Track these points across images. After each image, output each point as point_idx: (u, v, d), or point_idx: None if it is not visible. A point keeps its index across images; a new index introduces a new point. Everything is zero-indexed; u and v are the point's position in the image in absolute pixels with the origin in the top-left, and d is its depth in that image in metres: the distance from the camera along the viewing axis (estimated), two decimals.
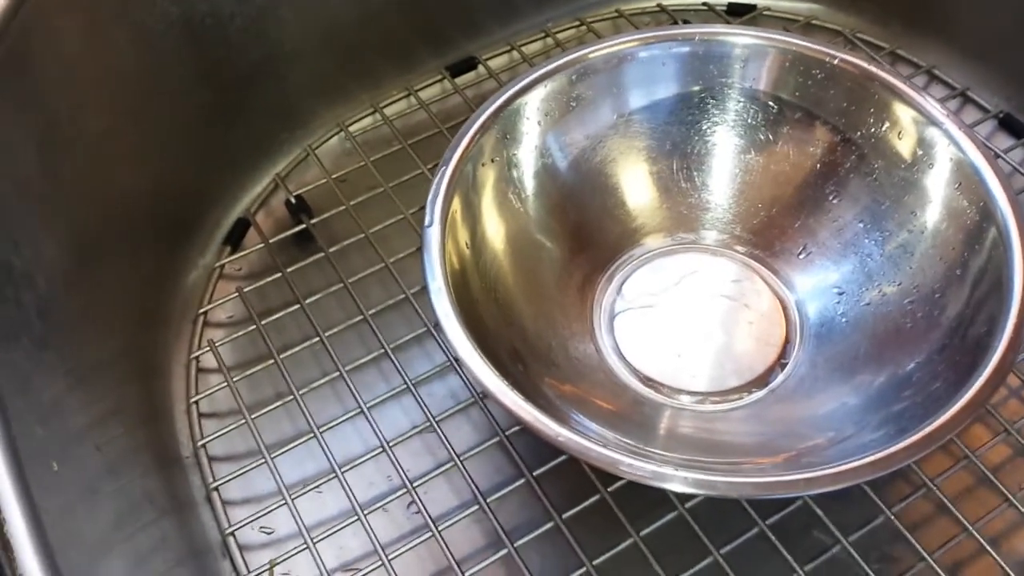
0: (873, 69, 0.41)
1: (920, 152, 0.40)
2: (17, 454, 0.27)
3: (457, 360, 0.35)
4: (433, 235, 0.38)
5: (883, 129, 0.41)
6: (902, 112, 0.41)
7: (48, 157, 0.38)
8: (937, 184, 0.40)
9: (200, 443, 0.43)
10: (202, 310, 0.48)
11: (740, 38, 0.42)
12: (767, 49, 0.42)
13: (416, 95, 0.56)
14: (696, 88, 0.43)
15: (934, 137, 0.40)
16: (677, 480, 0.31)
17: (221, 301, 0.48)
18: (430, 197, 0.39)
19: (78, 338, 0.38)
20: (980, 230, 0.37)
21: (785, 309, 0.43)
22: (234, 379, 0.44)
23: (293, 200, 0.51)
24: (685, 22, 0.58)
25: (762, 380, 0.41)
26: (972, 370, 0.34)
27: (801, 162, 0.43)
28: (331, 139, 0.55)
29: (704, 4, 0.59)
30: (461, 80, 0.57)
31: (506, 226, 0.41)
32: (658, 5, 0.60)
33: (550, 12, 0.59)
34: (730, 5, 0.59)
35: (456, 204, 0.38)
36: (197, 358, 0.46)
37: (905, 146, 0.41)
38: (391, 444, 0.42)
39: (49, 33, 0.39)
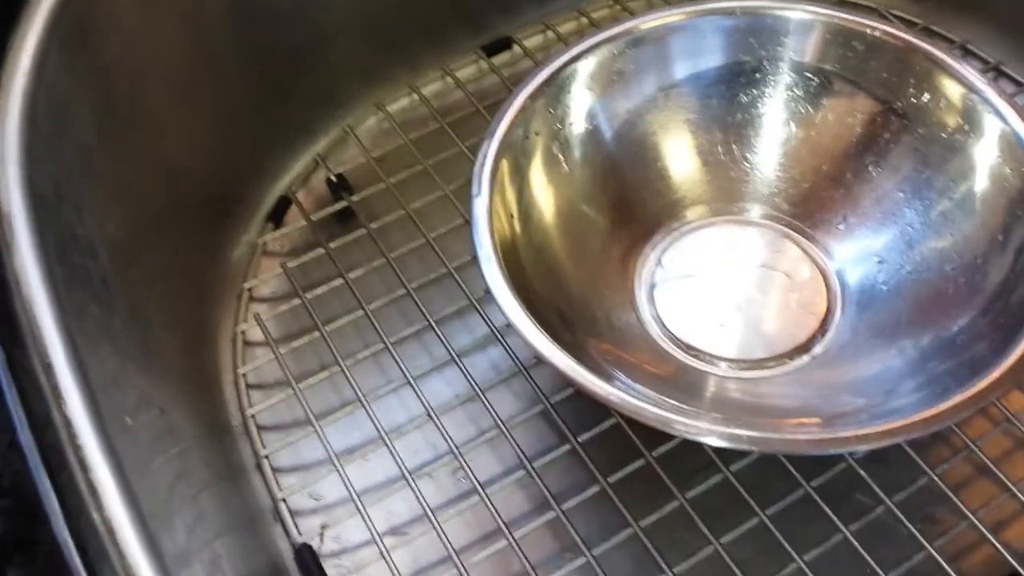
0: (915, 40, 0.42)
1: (961, 121, 0.41)
2: (98, 407, 0.28)
3: (506, 327, 0.36)
4: (481, 204, 0.38)
5: (924, 99, 0.42)
6: (943, 82, 0.41)
7: (107, 130, 0.39)
8: (978, 152, 0.40)
9: (249, 413, 0.44)
10: (247, 285, 0.48)
11: (783, 11, 0.43)
12: (810, 22, 0.42)
13: (452, 75, 0.56)
14: (739, 60, 0.44)
15: (975, 106, 0.40)
16: (730, 438, 0.31)
17: (265, 277, 0.49)
18: (477, 167, 0.40)
19: (135, 308, 0.39)
20: (1022, 196, 0.38)
21: (826, 278, 0.44)
22: (280, 351, 0.45)
23: (334, 178, 0.52)
24: None
25: (804, 348, 0.42)
26: (1017, 332, 0.34)
27: (842, 133, 0.44)
28: (369, 119, 0.56)
29: None
30: (497, 60, 0.57)
31: (553, 195, 0.42)
32: None
33: None
34: None
35: (503, 174, 0.39)
36: (243, 331, 0.47)
37: (946, 115, 0.41)
38: (438, 413, 0.42)
39: (108, 8, 0.40)
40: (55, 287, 0.31)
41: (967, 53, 0.55)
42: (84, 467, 0.26)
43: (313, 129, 0.55)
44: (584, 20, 0.59)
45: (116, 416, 0.29)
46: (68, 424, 0.27)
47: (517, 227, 0.39)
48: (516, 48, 0.57)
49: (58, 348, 0.29)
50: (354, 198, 0.51)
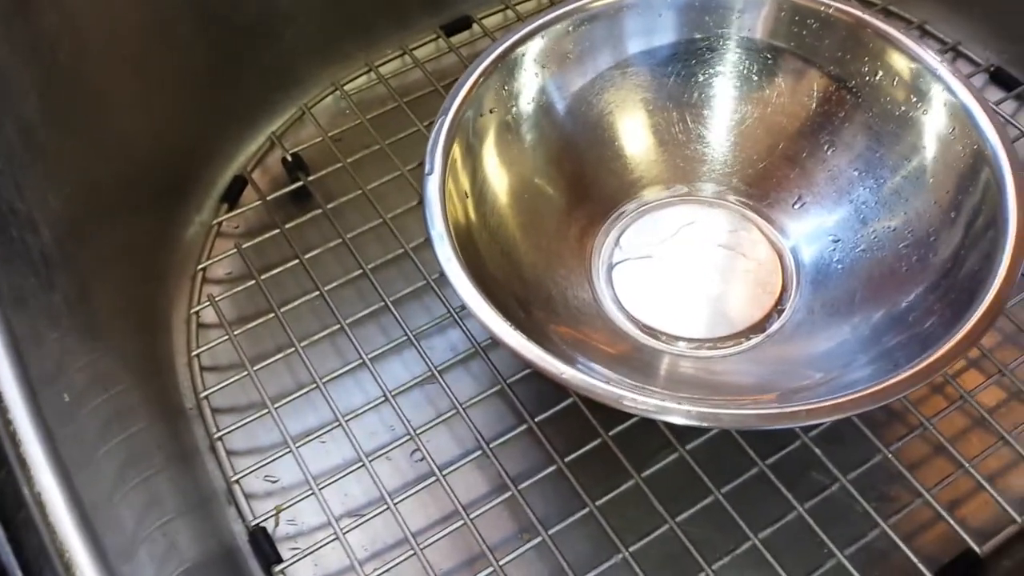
0: (867, 17, 0.42)
1: (914, 98, 0.41)
2: (28, 376, 0.27)
3: (463, 308, 0.35)
4: (433, 182, 0.38)
5: (878, 77, 0.42)
6: (896, 59, 0.41)
7: (50, 106, 0.38)
8: (931, 129, 0.40)
9: (203, 395, 0.43)
10: (201, 266, 0.48)
11: None
12: None
13: (411, 54, 0.56)
14: (693, 38, 0.44)
15: (928, 83, 0.40)
16: (679, 413, 0.31)
17: (219, 257, 0.48)
18: (430, 145, 0.39)
19: (82, 287, 0.38)
20: (974, 172, 0.38)
21: (781, 257, 0.44)
22: (235, 333, 0.44)
23: (289, 158, 0.51)
24: None
25: (760, 327, 0.42)
26: (967, 307, 0.34)
27: (796, 112, 0.44)
28: (326, 98, 0.55)
29: None
30: (456, 39, 0.57)
31: (508, 175, 0.41)
32: None
33: None
34: None
35: (456, 152, 0.39)
36: (197, 313, 0.46)
37: (899, 93, 0.41)
38: (395, 393, 0.42)
39: None
40: None
41: (925, 33, 0.55)
42: (22, 463, 0.26)
43: (269, 108, 0.54)
44: None
45: (52, 390, 0.29)
46: (0, 404, 0.26)
47: (471, 207, 0.39)
48: (475, 27, 0.57)
49: None
50: (310, 178, 0.50)
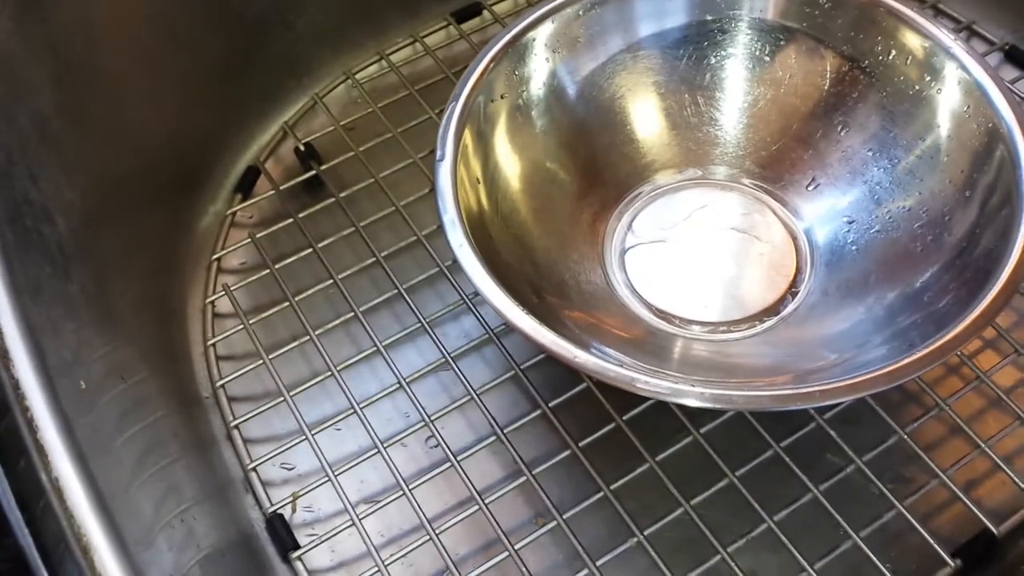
0: None
1: (928, 77, 0.40)
2: (46, 365, 0.27)
3: (475, 294, 0.35)
4: (445, 168, 0.38)
5: (891, 56, 0.41)
6: (909, 38, 0.41)
7: (64, 97, 0.39)
8: (945, 108, 0.40)
9: (219, 383, 0.43)
10: (215, 256, 0.48)
11: None
12: None
13: (422, 41, 0.56)
14: (704, 20, 0.43)
15: (941, 61, 0.40)
16: (693, 395, 0.31)
17: (234, 247, 0.48)
18: (440, 131, 0.39)
19: (98, 278, 0.38)
20: (988, 150, 0.38)
21: (795, 239, 0.43)
22: (250, 322, 0.45)
23: (302, 147, 0.51)
24: None
25: (774, 309, 0.42)
26: (982, 286, 0.34)
27: (809, 93, 0.44)
28: (338, 87, 0.55)
29: None
30: (466, 26, 0.56)
31: (519, 160, 0.41)
32: None
33: None
34: None
35: (468, 138, 0.39)
36: (213, 302, 0.46)
37: (912, 72, 0.41)
38: (409, 380, 0.42)
39: None
40: (4, 248, 0.30)
41: (940, 12, 0.55)
42: (40, 449, 0.26)
43: (281, 98, 0.54)
44: None
45: (69, 378, 0.29)
46: (19, 392, 0.27)
47: (483, 193, 0.39)
48: (486, 14, 0.57)
49: (6, 308, 0.28)
50: (323, 167, 0.50)
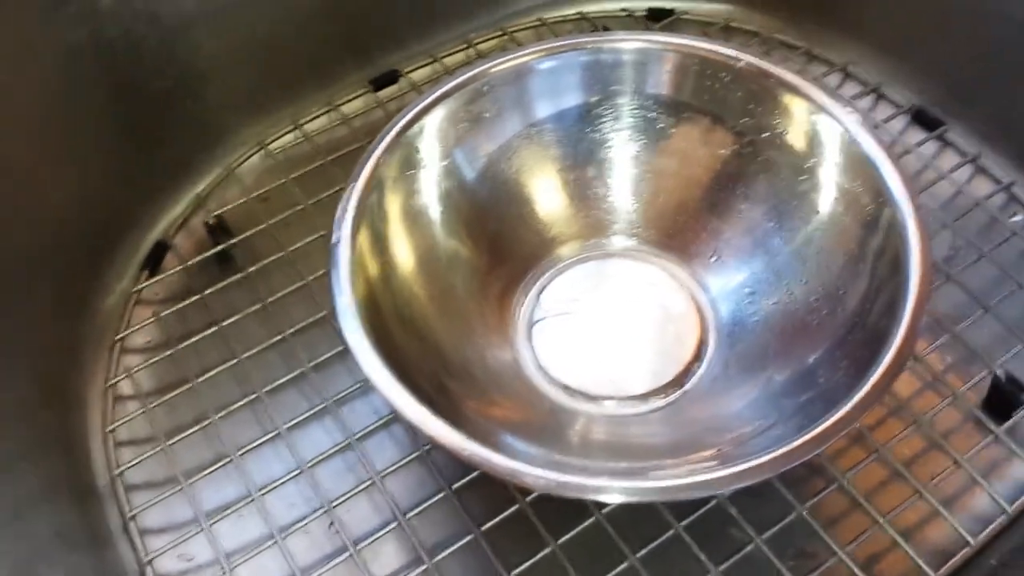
0: (774, 69, 0.42)
1: (823, 149, 0.41)
2: None
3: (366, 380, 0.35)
4: (339, 252, 0.37)
5: (787, 129, 0.42)
6: (804, 111, 0.41)
7: None
8: (837, 178, 0.40)
9: (117, 472, 0.42)
10: (119, 336, 0.47)
11: (632, 43, 0.43)
12: (666, 54, 0.42)
13: (338, 110, 0.55)
14: (602, 96, 0.44)
15: (835, 133, 0.40)
16: (574, 488, 0.31)
17: (138, 326, 0.47)
18: (337, 214, 0.39)
19: None
20: (877, 220, 0.38)
21: (700, 310, 0.43)
22: (152, 405, 0.44)
23: (212, 221, 0.51)
24: (605, 28, 0.58)
25: (678, 381, 0.41)
26: (872, 361, 0.34)
27: (710, 164, 0.44)
28: (252, 157, 0.55)
29: (624, 10, 0.60)
30: (383, 93, 0.57)
31: (416, 245, 0.41)
32: (579, 13, 0.60)
33: (472, 22, 0.59)
34: (649, 10, 0.59)
35: (364, 226, 0.38)
36: (114, 385, 0.45)
37: (808, 144, 0.41)
38: (312, 464, 0.42)
39: None
40: None
41: (848, 76, 0.55)
42: None
43: (193, 169, 0.54)
44: (472, 51, 0.58)
45: None
46: None
47: (382, 278, 0.39)
48: (403, 81, 0.57)
49: None
50: (233, 241, 0.50)
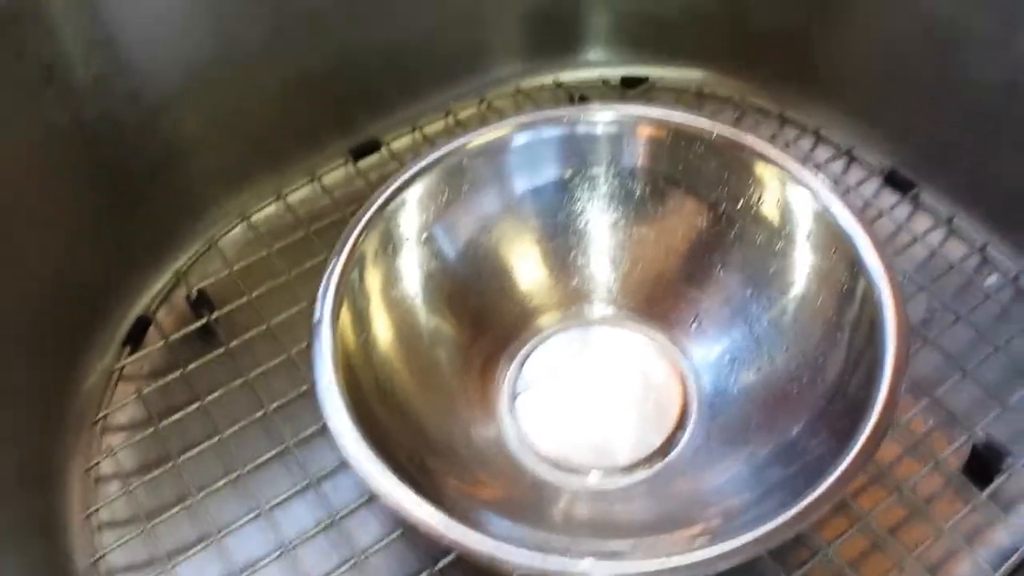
0: (749, 140, 0.42)
1: (797, 219, 0.41)
2: None
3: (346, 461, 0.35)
4: (321, 331, 0.38)
5: (761, 198, 0.42)
6: (776, 181, 0.42)
7: None
8: (811, 248, 0.41)
9: (98, 556, 0.42)
10: (101, 415, 0.47)
11: (606, 116, 0.43)
12: (640, 126, 0.43)
13: (319, 181, 0.56)
14: (578, 167, 0.44)
15: (804, 200, 0.41)
16: (556, 573, 0.31)
17: (121, 404, 0.47)
18: (319, 293, 0.39)
19: None
20: (853, 291, 0.38)
21: (682, 378, 0.44)
22: (133, 486, 0.43)
23: (194, 295, 0.51)
24: (583, 97, 0.59)
25: (662, 452, 0.41)
26: (853, 432, 0.34)
27: (687, 234, 0.44)
28: (235, 229, 0.55)
29: (599, 78, 0.61)
30: (365, 163, 0.57)
31: (397, 321, 0.41)
32: (555, 82, 0.61)
33: (451, 92, 0.60)
34: (624, 79, 0.60)
35: (345, 304, 0.38)
36: (96, 465, 0.45)
37: (782, 213, 0.42)
38: (295, 544, 0.41)
39: None
40: None
41: (820, 139, 0.56)
42: None
43: (175, 243, 0.54)
44: (451, 120, 0.59)
45: None
46: None
47: (364, 357, 0.39)
48: (384, 151, 0.57)
49: None
50: (215, 315, 0.50)
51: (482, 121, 0.59)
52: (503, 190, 0.44)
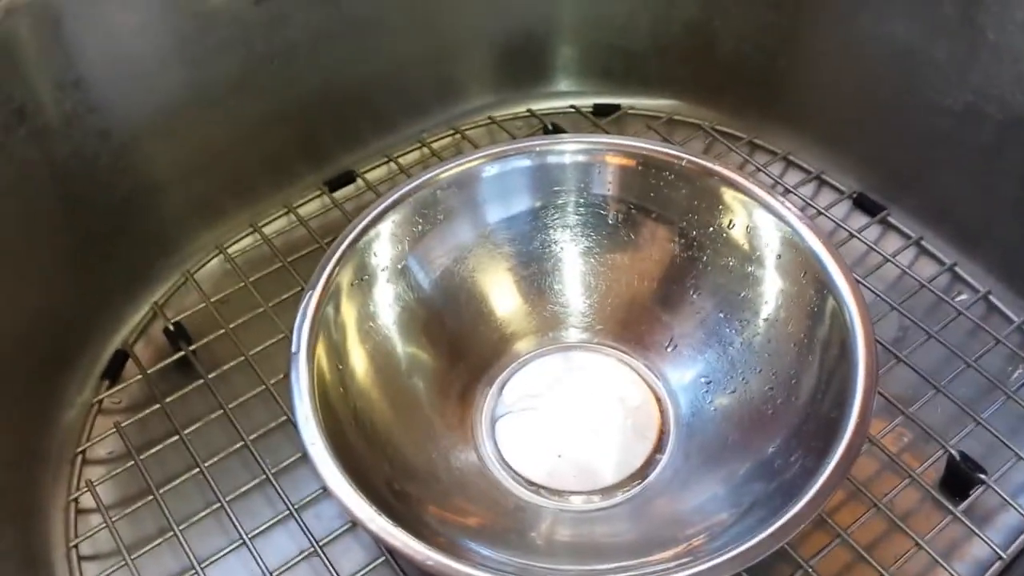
0: (718, 168, 0.43)
1: (766, 243, 0.42)
2: None
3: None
4: (299, 362, 0.38)
5: (731, 224, 0.43)
6: (745, 207, 0.43)
7: None
8: (781, 271, 0.42)
9: None
10: (80, 448, 0.47)
11: (577, 145, 0.44)
12: (610, 155, 0.44)
13: (295, 212, 0.56)
14: (550, 196, 0.45)
15: (772, 225, 0.42)
16: None
17: (100, 438, 0.47)
18: (296, 324, 0.39)
19: None
20: (822, 310, 0.39)
21: (659, 401, 0.44)
22: (114, 518, 0.43)
23: (171, 327, 0.51)
24: (555, 125, 0.60)
25: (640, 474, 0.42)
26: (827, 450, 0.35)
27: (660, 259, 0.45)
28: (211, 262, 0.55)
29: (571, 107, 0.62)
30: (340, 194, 0.57)
31: (374, 351, 0.42)
32: (528, 111, 0.62)
33: (425, 122, 0.61)
34: (595, 106, 0.61)
35: (322, 336, 0.39)
36: (76, 499, 0.45)
37: (752, 238, 0.43)
38: (278, 573, 0.41)
39: None
40: None
41: (790, 164, 0.57)
42: None
43: (151, 277, 0.54)
44: (426, 150, 0.60)
45: None
46: None
47: (341, 388, 0.39)
48: (360, 181, 0.58)
49: None
50: (193, 347, 0.50)
51: (457, 150, 0.59)
52: (476, 220, 0.45)
